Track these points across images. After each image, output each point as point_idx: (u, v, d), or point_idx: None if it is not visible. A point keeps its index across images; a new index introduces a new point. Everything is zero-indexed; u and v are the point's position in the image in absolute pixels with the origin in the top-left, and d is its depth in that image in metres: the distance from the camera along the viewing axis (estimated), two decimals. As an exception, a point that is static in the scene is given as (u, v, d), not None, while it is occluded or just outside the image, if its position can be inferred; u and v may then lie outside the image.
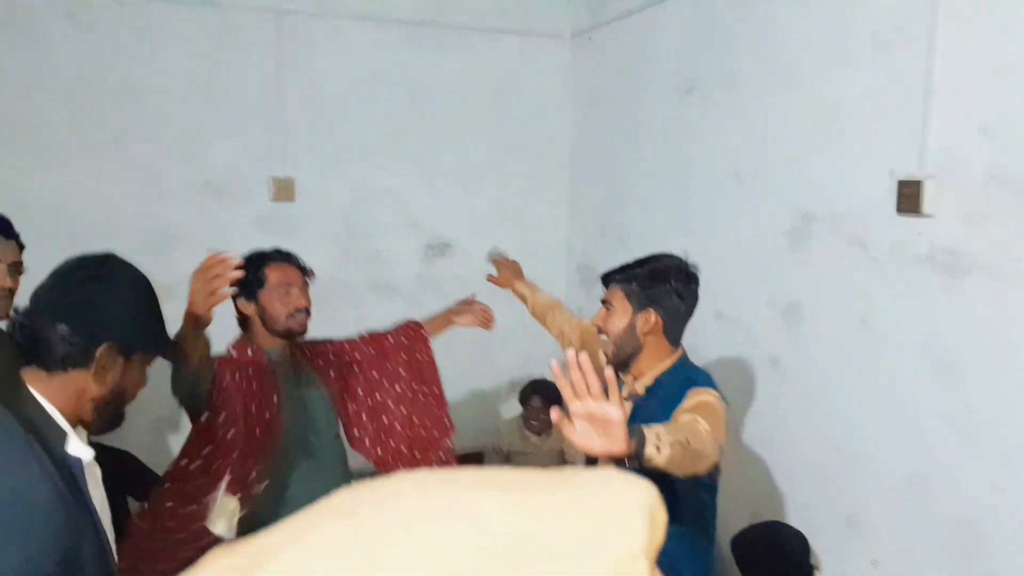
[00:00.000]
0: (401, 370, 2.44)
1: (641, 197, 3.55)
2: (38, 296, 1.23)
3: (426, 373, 2.50)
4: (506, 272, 2.73)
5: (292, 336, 2.12)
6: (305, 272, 2.17)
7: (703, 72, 3.11)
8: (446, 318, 2.66)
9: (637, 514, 0.42)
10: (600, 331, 1.95)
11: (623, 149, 3.67)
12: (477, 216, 3.98)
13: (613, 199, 3.78)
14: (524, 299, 2.65)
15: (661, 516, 0.44)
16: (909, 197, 2.29)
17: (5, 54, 3.06)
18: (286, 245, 3.47)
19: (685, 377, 1.84)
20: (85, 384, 1.22)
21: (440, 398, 2.52)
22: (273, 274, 2.08)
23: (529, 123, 4.02)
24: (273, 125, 3.50)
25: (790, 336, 2.69)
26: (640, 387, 1.88)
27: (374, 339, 2.48)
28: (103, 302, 1.24)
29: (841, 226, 2.52)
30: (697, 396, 1.73)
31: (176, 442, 3.43)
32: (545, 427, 3.63)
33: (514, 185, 4.03)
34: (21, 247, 1.95)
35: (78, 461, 1.19)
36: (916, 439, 2.25)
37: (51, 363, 1.19)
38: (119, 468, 2.93)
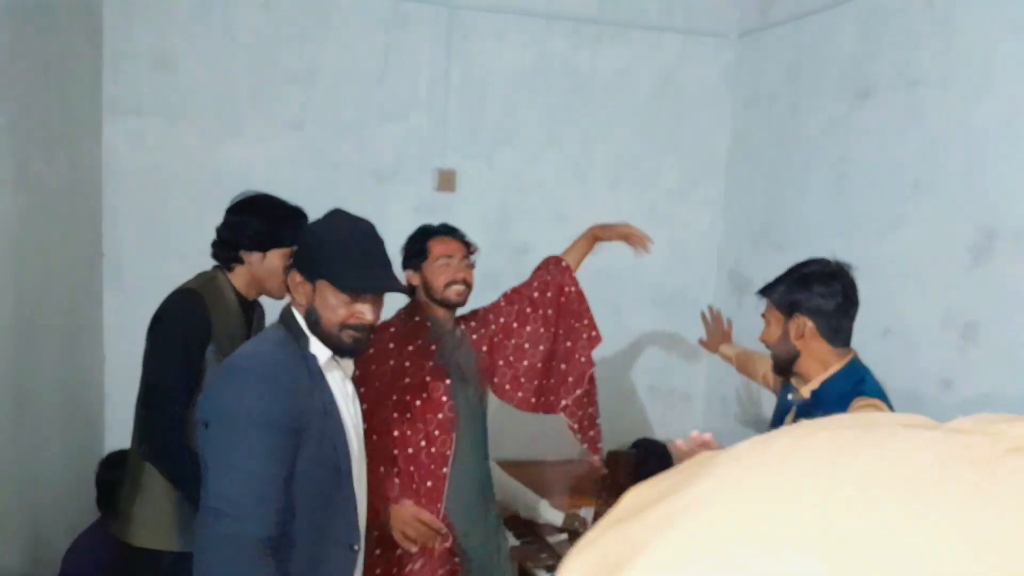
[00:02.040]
0: (549, 310, 2.48)
1: (803, 204, 3.42)
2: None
3: (575, 306, 2.50)
4: (716, 336, 2.89)
5: (450, 306, 2.24)
6: (468, 246, 2.28)
7: (880, 76, 2.96)
8: (590, 238, 2.63)
9: None
10: (766, 346, 1.97)
11: (786, 153, 3.55)
12: (626, 214, 3.92)
13: (771, 204, 3.66)
14: (729, 360, 2.77)
15: None
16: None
17: (197, 35, 3.29)
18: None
19: (854, 384, 1.82)
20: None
21: (591, 326, 2.55)
22: (436, 247, 2.22)
23: (685, 123, 3.96)
24: (439, 115, 3.61)
25: (966, 357, 2.52)
26: (806, 391, 1.89)
27: (516, 292, 2.54)
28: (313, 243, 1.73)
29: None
30: (860, 405, 1.72)
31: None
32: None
33: (665, 185, 3.98)
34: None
35: (314, 357, 1.70)
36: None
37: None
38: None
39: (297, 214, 2.18)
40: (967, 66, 2.58)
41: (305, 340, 1.70)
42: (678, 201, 4.01)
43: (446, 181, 3.61)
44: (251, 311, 2.24)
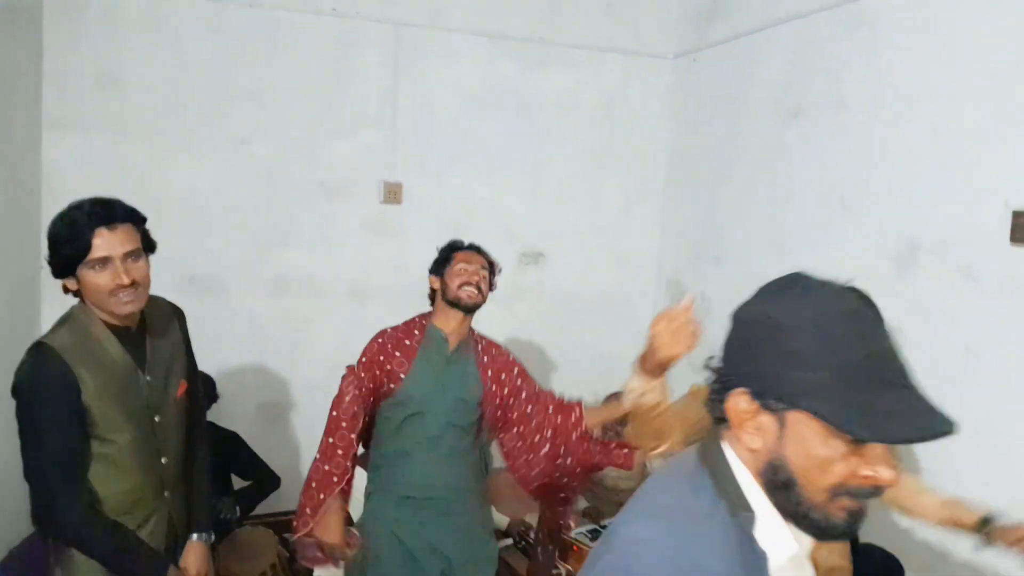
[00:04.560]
0: (548, 430, 2.45)
1: (737, 218, 3.56)
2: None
3: (572, 447, 2.44)
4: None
5: (460, 306, 2.35)
6: (491, 263, 2.46)
7: (810, 97, 3.11)
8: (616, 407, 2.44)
9: None
10: None
11: (721, 170, 3.69)
12: (571, 229, 4.05)
13: (708, 219, 3.80)
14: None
15: None
16: (1024, 228, 2.25)
17: (145, 53, 3.28)
18: (390, 246, 3.68)
19: None
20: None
21: (569, 470, 2.47)
22: (459, 256, 2.41)
23: (627, 141, 4.09)
24: (386, 131, 3.65)
25: (890, 363, 2.65)
26: None
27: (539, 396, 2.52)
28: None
29: (949, 255, 2.49)
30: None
31: (280, 426, 3.61)
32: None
33: (608, 201, 4.10)
34: (140, 222, 1.83)
35: (763, 555, 0.90)
36: (1013, 471, 2.20)
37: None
38: (229, 447, 3.12)
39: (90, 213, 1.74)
40: (891, 89, 2.74)
41: (749, 517, 0.92)
42: (621, 217, 4.13)
43: (392, 193, 3.66)
44: (139, 333, 1.90)
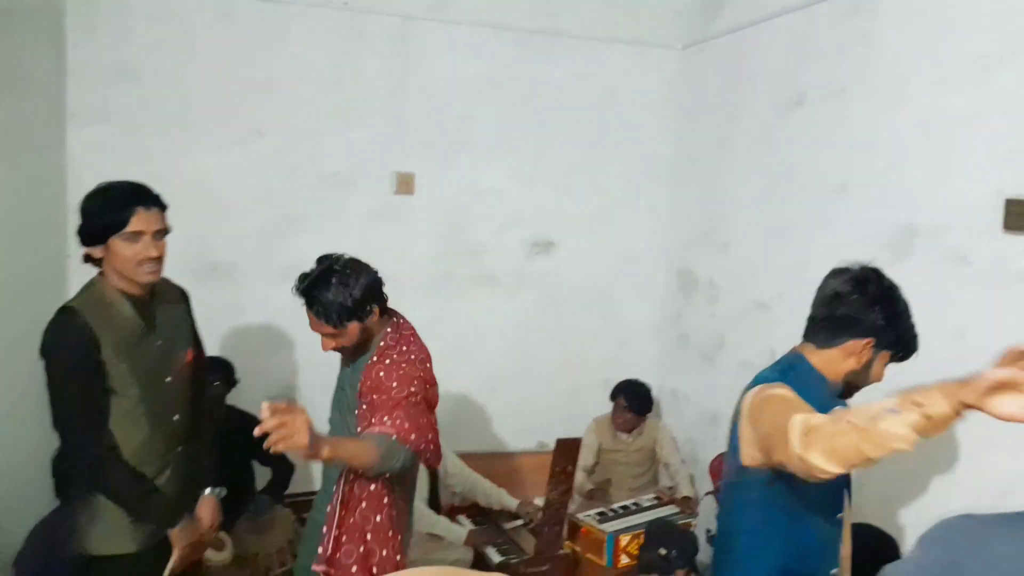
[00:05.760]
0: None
1: (741, 204, 3.63)
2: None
3: None
4: None
5: None
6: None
7: (812, 85, 3.17)
8: None
9: None
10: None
11: (726, 159, 3.75)
12: (577, 217, 4.13)
13: (713, 206, 3.86)
14: None
15: None
16: (1017, 216, 2.31)
17: (159, 46, 3.38)
18: (400, 236, 3.78)
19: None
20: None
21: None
22: None
23: (632, 131, 4.15)
24: (395, 122, 3.74)
25: (887, 347, 2.72)
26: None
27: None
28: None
29: (943, 240, 2.55)
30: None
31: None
32: (628, 426, 3.75)
33: (614, 190, 4.16)
34: (165, 209, 2.06)
35: None
36: (1003, 456, 2.26)
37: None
38: (248, 431, 3.22)
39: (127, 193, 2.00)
40: (887, 76, 2.80)
41: None
42: (627, 205, 4.19)
43: (405, 184, 3.75)
44: (149, 303, 2.11)
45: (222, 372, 3.15)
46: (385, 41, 3.69)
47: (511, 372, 4.07)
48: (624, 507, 3.41)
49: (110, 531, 2.03)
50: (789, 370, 1.87)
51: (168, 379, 2.11)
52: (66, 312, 1.97)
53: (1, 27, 2.65)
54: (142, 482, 2.02)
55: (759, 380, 1.82)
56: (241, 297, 3.57)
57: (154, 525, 2.05)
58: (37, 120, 3.04)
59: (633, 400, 3.72)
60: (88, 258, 2.03)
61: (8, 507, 2.71)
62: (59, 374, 1.94)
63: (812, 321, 1.90)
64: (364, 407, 2.10)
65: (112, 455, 1.98)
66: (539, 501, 3.30)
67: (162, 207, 2.05)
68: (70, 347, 1.93)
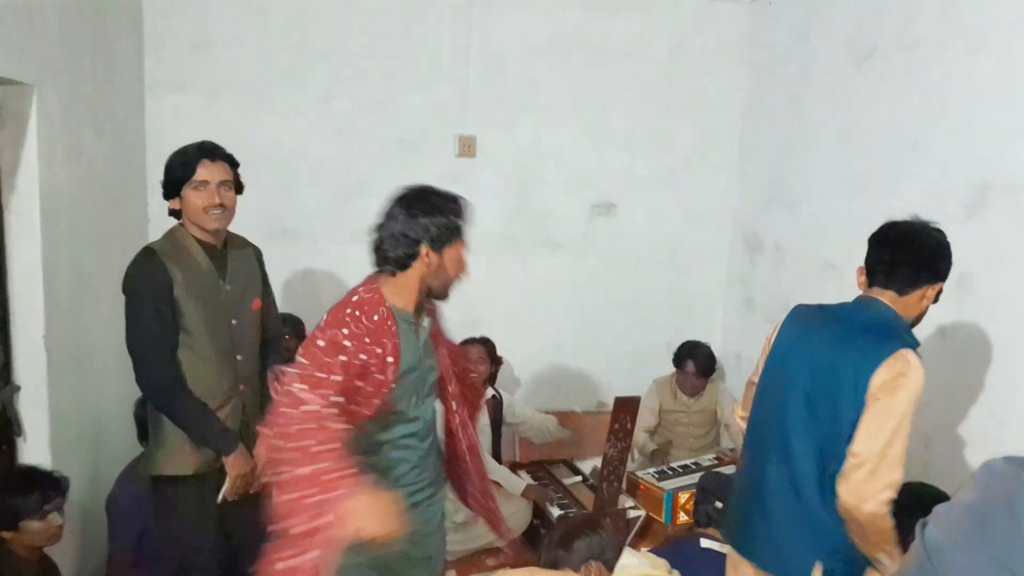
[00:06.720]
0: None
1: (809, 162, 3.54)
2: None
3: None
4: None
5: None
6: None
7: (883, 37, 3.05)
8: None
9: None
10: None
11: (795, 116, 3.65)
12: (641, 178, 4.09)
13: (781, 165, 3.77)
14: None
15: None
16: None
17: (231, 17, 3.50)
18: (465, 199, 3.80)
19: None
20: None
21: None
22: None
23: (700, 87, 4.07)
24: (460, 84, 3.77)
25: (960, 307, 2.64)
26: None
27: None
28: None
29: (1018, 198, 2.44)
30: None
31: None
32: (695, 390, 3.75)
33: (680, 149, 4.10)
34: (235, 165, 2.27)
35: None
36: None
37: None
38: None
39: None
40: (963, 26, 2.67)
41: None
42: (694, 165, 4.13)
43: (467, 147, 3.79)
44: (222, 252, 2.29)
45: (293, 327, 3.29)
46: (450, 5, 3.71)
47: (574, 335, 4.10)
48: (684, 466, 3.43)
49: (171, 453, 2.21)
50: (894, 329, 1.89)
51: (234, 322, 2.29)
52: (147, 252, 2.20)
53: (84, 7, 2.79)
54: (204, 409, 2.19)
55: (880, 342, 1.84)
56: (310, 259, 3.71)
57: (211, 449, 2.20)
58: (119, 91, 3.20)
59: (701, 364, 3.72)
60: (172, 212, 2.26)
61: (108, 454, 2.93)
62: (136, 302, 2.16)
63: (892, 266, 1.93)
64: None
65: (177, 380, 2.17)
66: (596, 461, 3.35)
67: (229, 161, 2.25)
68: (147, 280, 2.15)
